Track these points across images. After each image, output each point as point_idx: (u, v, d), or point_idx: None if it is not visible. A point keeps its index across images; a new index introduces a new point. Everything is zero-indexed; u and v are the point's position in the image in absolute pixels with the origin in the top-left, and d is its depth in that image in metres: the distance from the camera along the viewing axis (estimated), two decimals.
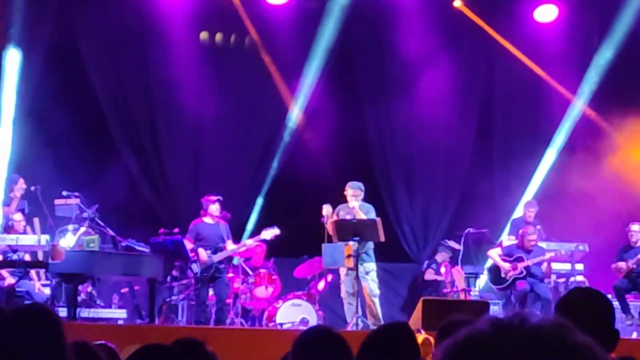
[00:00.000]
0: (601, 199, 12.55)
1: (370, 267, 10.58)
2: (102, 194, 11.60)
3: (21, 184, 11.15)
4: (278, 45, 13.67)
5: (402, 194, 14.21)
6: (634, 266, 11.25)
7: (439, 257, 13.08)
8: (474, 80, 14.35)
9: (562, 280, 12.33)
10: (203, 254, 10.87)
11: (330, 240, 10.54)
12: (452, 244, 12.60)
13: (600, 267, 11.98)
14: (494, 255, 11.64)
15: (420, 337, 5.20)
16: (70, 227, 10.41)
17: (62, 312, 9.89)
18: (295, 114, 13.76)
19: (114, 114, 13.46)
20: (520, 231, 11.75)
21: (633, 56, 13.44)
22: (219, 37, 14.12)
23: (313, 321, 10.93)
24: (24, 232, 10.61)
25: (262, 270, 11.83)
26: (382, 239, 10.35)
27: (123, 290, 11.83)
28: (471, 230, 12.46)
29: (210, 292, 11.06)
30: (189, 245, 10.92)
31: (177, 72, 13.34)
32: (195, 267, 10.85)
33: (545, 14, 14.00)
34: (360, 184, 10.89)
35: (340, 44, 13.68)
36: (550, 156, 14.01)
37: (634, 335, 10.89)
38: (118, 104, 13.51)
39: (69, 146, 12.42)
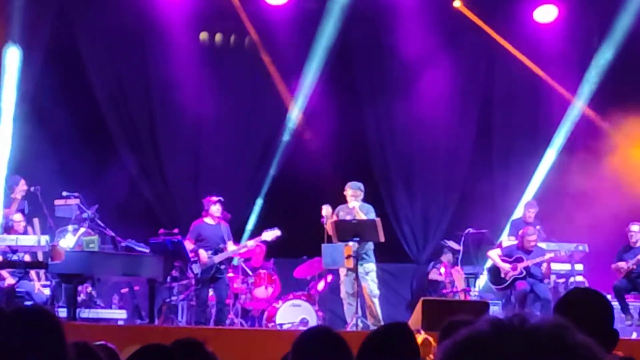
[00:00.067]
0: (601, 199, 12.55)
1: (370, 268, 10.57)
2: (102, 194, 11.61)
3: (22, 185, 11.14)
4: (278, 46, 13.67)
5: (401, 194, 14.21)
6: (634, 266, 11.25)
7: (445, 258, 13.05)
8: (474, 80, 14.36)
9: (561, 280, 12.33)
10: (204, 254, 10.87)
11: (330, 241, 10.54)
12: (451, 244, 12.59)
13: (600, 268, 11.98)
14: (494, 255, 11.64)
15: (420, 338, 5.20)
16: (70, 227, 10.41)
17: (62, 312, 9.89)
18: (295, 114, 13.76)
19: (113, 114, 13.46)
20: (520, 232, 11.75)
21: (633, 56, 13.44)
22: (218, 37, 14.13)
23: (313, 321, 10.93)
24: (24, 233, 10.60)
25: (262, 271, 11.83)
26: (382, 239, 10.35)
27: (123, 291, 11.83)
28: (471, 230, 12.46)
29: (210, 292, 11.06)
30: (189, 245, 10.92)
31: (177, 72, 13.34)
32: (196, 268, 10.85)
33: (545, 14, 14.01)
34: (360, 184, 10.89)
35: (340, 44, 13.68)
36: (550, 156, 14.01)
37: (634, 336, 10.89)
38: (118, 104, 13.51)
39: (68, 146, 12.42)
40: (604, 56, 13.64)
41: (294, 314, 11.17)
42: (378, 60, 14.10)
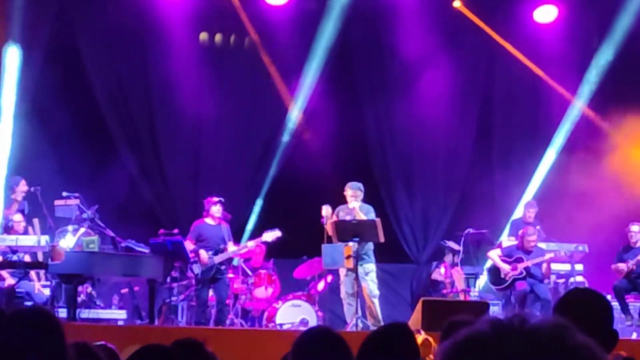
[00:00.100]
0: (601, 200, 12.55)
1: (370, 268, 10.57)
2: (102, 194, 11.60)
3: (22, 186, 11.13)
4: (278, 46, 13.67)
5: (401, 194, 14.21)
6: (634, 267, 11.25)
7: (447, 259, 13.02)
8: (474, 80, 14.36)
9: (561, 280, 12.32)
10: (204, 255, 10.87)
11: (330, 241, 10.53)
12: (451, 244, 12.58)
13: (600, 268, 11.98)
14: (494, 256, 11.64)
15: (420, 338, 5.20)
16: (70, 227, 10.41)
17: (62, 312, 9.89)
18: (295, 114, 13.76)
19: (113, 114, 13.46)
20: (520, 232, 11.75)
21: (632, 56, 13.45)
22: (218, 37, 14.12)
23: (313, 322, 10.93)
24: (24, 233, 10.60)
25: (261, 271, 11.83)
26: (382, 239, 10.35)
27: (123, 291, 11.83)
28: (471, 230, 12.45)
29: (210, 292, 11.06)
30: (190, 246, 10.93)
31: (177, 73, 13.35)
32: (196, 268, 10.85)
33: (545, 14, 14.01)
34: (360, 185, 10.89)
35: (340, 44, 13.68)
36: (550, 156, 14.01)
37: (634, 336, 10.89)
38: (118, 104, 13.51)
39: (68, 146, 12.42)
40: (604, 56, 13.64)
41: (294, 314, 11.17)
42: (378, 60, 14.10)
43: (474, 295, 12.29)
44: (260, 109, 14.04)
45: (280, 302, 11.36)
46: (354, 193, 10.77)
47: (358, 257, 10.32)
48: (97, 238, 10.17)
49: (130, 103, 13.57)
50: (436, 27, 13.78)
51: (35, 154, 12.13)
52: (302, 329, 7.65)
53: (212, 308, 11.10)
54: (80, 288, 10.23)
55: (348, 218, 10.62)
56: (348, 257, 10.34)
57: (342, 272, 10.67)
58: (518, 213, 13.16)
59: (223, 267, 11.07)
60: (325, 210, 10.63)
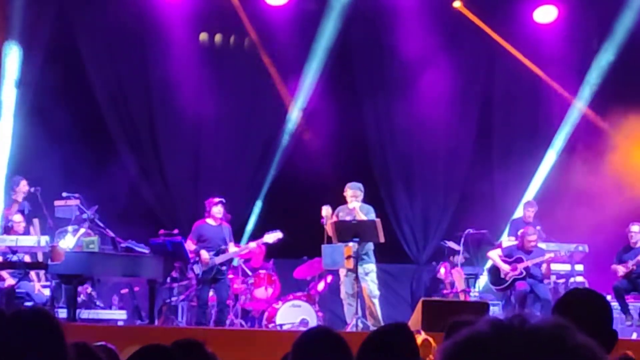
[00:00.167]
0: (601, 200, 12.56)
1: (370, 268, 10.57)
2: (102, 195, 11.59)
3: (23, 186, 11.13)
4: (278, 46, 13.68)
5: (401, 194, 14.21)
6: (634, 267, 11.25)
7: (455, 259, 12.98)
8: (474, 80, 14.36)
9: (561, 281, 12.32)
10: (205, 255, 10.87)
11: (330, 241, 10.53)
12: (451, 244, 12.58)
13: (600, 268, 11.98)
14: (494, 256, 11.63)
15: (420, 338, 5.20)
16: (70, 228, 10.40)
17: (62, 313, 9.89)
18: (295, 114, 13.76)
19: (113, 114, 13.46)
20: (520, 232, 11.75)
21: (632, 57, 13.45)
22: (218, 37, 14.12)
23: (313, 322, 10.93)
24: (24, 233, 10.59)
25: (261, 271, 11.82)
26: (382, 240, 10.34)
27: (123, 292, 11.83)
28: (471, 231, 12.44)
29: (211, 293, 11.06)
30: (191, 246, 10.93)
31: (177, 73, 13.35)
32: (197, 268, 10.85)
33: (545, 14, 14.01)
34: (360, 185, 10.89)
35: (340, 45, 13.68)
36: (550, 157, 14.01)
37: (634, 336, 10.88)
38: (118, 104, 13.51)
39: (68, 146, 12.41)
40: (604, 56, 13.64)
41: (294, 314, 11.17)
42: (378, 60, 14.10)
43: (474, 295, 12.29)
44: (260, 109, 14.04)
45: (280, 303, 11.36)
46: (354, 193, 10.77)
47: (358, 258, 10.32)
48: (97, 238, 10.16)
49: (130, 103, 13.58)
50: (436, 27, 13.78)
51: (35, 154, 12.13)
52: (302, 329, 7.64)
53: (213, 308, 11.10)
54: (80, 288, 10.24)
55: (348, 218, 10.61)
56: (348, 257, 10.33)
57: (342, 272, 10.67)
58: (518, 213, 13.16)
59: (224, 268, 11.07)
60: (325, 210, 10.62)
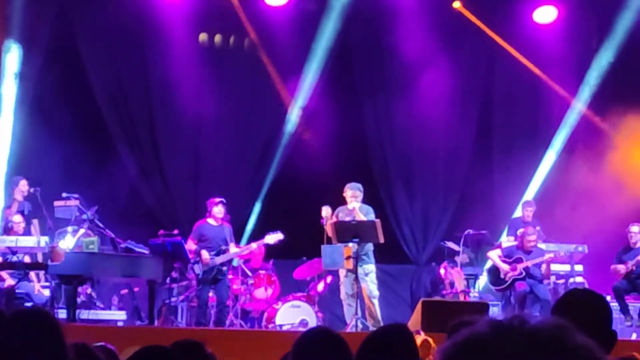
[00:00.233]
0: (600, 200, 12.56)
1: (369, 269, 10.57)
2: (102, 195, 11.60)
3: (22, 186, 11.14)
4: (277, 46, 13.67)
5: (401, 194, 14.21)
6: (634, 267, 11.25)
7: (459, 259, 12.97)
8: (474, 80, 14.36)
9: (561, 281, 12.31)
10: (206, 255, 10.87)
11: (329, 242, 10.53)
12: (451, 245, 12.58)
13: (599, 269, 11.98)
14: (494, 256, 11.64)
15: (420, 339, 5.20)
16: (70, 228, 10.40)
17: (62, 313, 9.89)
18: (295, 114, 13.76)
19: (113, 114, 13.46)
20: (520, 232, 11.75)
21: (632, 57, 13.45)
22: (218, 38, 14.12)
23: (312, 323, 10.93)
24: (24, 234, 10.60)
25: (261, 272, 11.82)
26: (382, 240, 10.34)
27: (122, 292, 11.83)
28: (470, 231, 12.45)
29: (211, 293, 11.06)
30: (192, 246, 10.93)
31: (177, 73, 13.35)
32: (198, 268, 10.85)
33: (545, 15, 14.02)
34: (359, 185, 10.89)
35: (340, 45, 13.68)
36: (550, 157, 14.01)
37: (634, 337, 10.88)
38: (118, 104, 13.51)
39: (68, 146, 12.41)
40: (604, 57, 13.65)
41: (293, 315, 11.16)
42: (378, 60, 14.10)
43: (473, 296, 12.29)
44: (260, 109, 14.04)
45: (280, 303, 11.36)
46: (353, 194, 10.77)
47: (358, 258, 10.32)
48: (97, 239, 10.16)
49: (130, 103, 13.57)
50: (436, 27, 13.79)
51: (35, 154, 12.13)
52: (302, 329, 7.65)
53: (212, 309, 11.10)
54: (79, 289, 10.23)
55: (348, 219, 10.61)
56: (348, 258, 10.33)
57: (342, 273, 10.67)
58: (517, 213, 13.16)
59: (224, 268, 11.07)
60: (325, 211, 10.62)
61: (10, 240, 10.04)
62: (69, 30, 13.17)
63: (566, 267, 12.19)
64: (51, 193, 10.99)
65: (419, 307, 9.50)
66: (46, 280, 10.88)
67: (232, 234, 11.28)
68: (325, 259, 10.58)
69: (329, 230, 10.50)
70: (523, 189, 13.86)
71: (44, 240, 10.02)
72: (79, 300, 10.21)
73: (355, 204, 10.69)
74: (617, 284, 11.23)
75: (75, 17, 13.32)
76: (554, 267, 12.02)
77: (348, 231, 10.33)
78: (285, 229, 11.26)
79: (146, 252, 10.44)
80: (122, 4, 13.22)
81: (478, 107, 14.46)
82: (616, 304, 10.91)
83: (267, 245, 11.50)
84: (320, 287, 11.87)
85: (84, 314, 10.43)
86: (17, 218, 10.76)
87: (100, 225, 10.42)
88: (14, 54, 12.25)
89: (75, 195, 10.72)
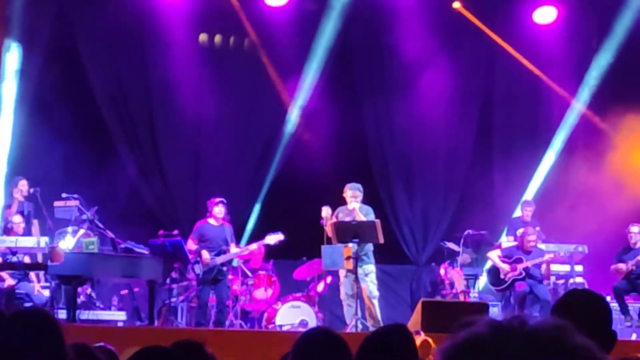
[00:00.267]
0: (601, 200, 12.56)
1: (369, 269, 10.57)
2: (102, 195, 11.60)
3: (21, 186, 11.13)
4: (277, 47, 13.67)
5: (401, 194, 14.21)
6: (633, 268, 11.25)
7: (461, 259, 12.95)
8: (474, 80, 14.37)
9: (561, 281, 12.32)
10: (206, 255, 10.87)
11: (329, 242, 10.53)
12: (451, 245, 12.58)
13: (599, 269, 11.98)
14: (494, 256, 11.64)
15: (420, 339, 5.21)
16: (70, 229, 10.40)
17: (62, 314, 9.89)
18: (295, 114, 13.76)
19: (113, 114, 13.46)
20: (520, 232, 11.75)
21: (632, 57, 13.45)
22: (218, 38, 14.12)
23: (312, 323, 10.92)
24: (24, 234, 10.59)
25: (261, 272, 11.82)
26: (381, 240, 10.34)
27: (122, 292, 11.82)
28: (470, 232, 12.45)
29: (211, 293, 11.06)
30: (192, 246, 10.93)
31: (177, 73, 13.35)
32: (198, 269, 10.85)
33: (544, 15, 14.02)
34: (359, 186, 10.89)
35: (340, 45, 13.69)
36: (549, 157, 14.01)
37: (634, 337, 10.89)
38: (118, 105, 13.51)
39: (68, 146, 12.40)
40: (603, 57, 13.65)
41: (293, 315, 11.16)
42: (378, 60, 14.10)
43: (473, 296, 12.29)
44: (260, 109, 14.04)
45: (279, 303, 11.36)
46: (353, 194, 10.77)
47: (358, 258, 10.32)
48: (97, 239, 10.16)
49: (130, 103, 13.57)
50: (436, 27, 13.79)
51: (35, 154, 12.13)
52: (302, 330, 7.65)
53: (212, 309, 11.10)
54: (79, 289, 10.22)
55: (348, 219, 10.61)
56: (348, 258, 10.33)
57: (342, 273, 10.67)
58: (516, 213, 13.16)
59: (224, 269, 11.07)
60: (325, 211, 10.62)
61: (10, 241, 10.04)
62: (69, 30, 13.17)
63: (566, 268, 12.20)
64: (51, 193, 10.98)
65: (418, 307, 9.49)
66: (46, 281, 10.88)
67: (232, 234, 11.28)
68: (325, 260, 10.58)
69: (328, 230, 10.49)
70: (523, 189, 13.86)
71: (44, 240, 10.02)
72: (78, 300, 10.20)
73: (355, 204, 10.69)
74: (617, 284, 11.24)
75: (75, 17, 13.32)
76: (554, 267, 12.02)
77: (348, 231, 10.33)
78: (285, 229, 11.26)
79: (146, 252, 10.44)
80: (122, 4, 13.21)
81: (478, 107, 14.47)
82: (616, 304, 10.91)
83: (267, 246, 11.50)
84: (320, 287, 11.87)
85: (84, 315, 10.43)
86: (17, 218, 10.76)
87: (100, 225, 10.42)
88: (14, 54, 12.25)
89: (75, 196, 10.72)
